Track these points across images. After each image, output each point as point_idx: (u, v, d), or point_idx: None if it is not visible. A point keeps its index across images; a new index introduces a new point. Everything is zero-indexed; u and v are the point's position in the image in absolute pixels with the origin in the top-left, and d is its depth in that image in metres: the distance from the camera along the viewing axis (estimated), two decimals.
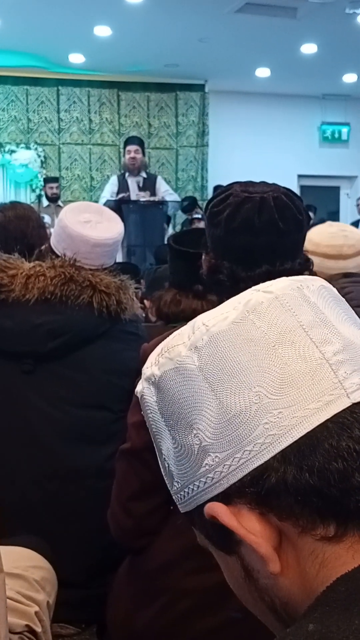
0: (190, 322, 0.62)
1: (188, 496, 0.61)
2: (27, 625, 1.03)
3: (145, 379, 0.63)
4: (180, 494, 0.62)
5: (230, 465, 0.56)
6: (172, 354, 0.60)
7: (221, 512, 0.57)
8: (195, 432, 0.57)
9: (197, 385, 0.57)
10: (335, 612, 0.50)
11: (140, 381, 0.65)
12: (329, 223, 2.36)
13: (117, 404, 1.85)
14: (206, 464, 0.57)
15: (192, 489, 0.59)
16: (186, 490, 0.60)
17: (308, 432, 0.54)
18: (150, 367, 0.63)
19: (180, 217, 9.46)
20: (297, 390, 0.55)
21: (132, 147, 8.29)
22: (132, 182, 8.15)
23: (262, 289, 0.60)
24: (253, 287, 0.61)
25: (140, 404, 0.65)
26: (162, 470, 0.65)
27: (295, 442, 0.54)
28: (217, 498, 0.57)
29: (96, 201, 9.22)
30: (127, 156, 8.35)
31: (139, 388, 0.65)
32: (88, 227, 1.95)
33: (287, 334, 0.57)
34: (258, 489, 0.55)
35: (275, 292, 0.59)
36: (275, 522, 0.56)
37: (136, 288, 2.01)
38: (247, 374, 0.56)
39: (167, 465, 0.62)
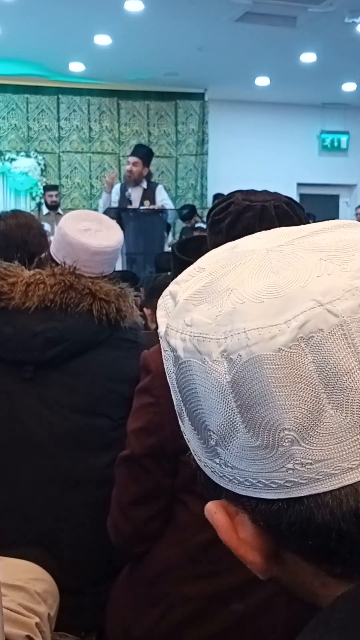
0: (226, 300, 0.50)
1: (198, 463, 0.57)
2: (27, 636, 1.04)
3: (168, 342, 0.54)
4: (193, 457, 0.58)
5: (241, 481, 0.52)
6: (202, 347, 0.50)
7: (221, 526, 0.55)
8: (209, 433, 0.52)
9: (224, 399, 0.50)
10: (335, 632, 0.48)
11: (158, 318, 0.57)
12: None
13: (117, 411, 1.85)
14: (217, 462, 0.53)
15: (204, 464, 0.56)
16: (198, 459, 0.57)
17: (332, 490, 0.48)
18: (176, 336, 0.53)
19: (180, 225, 9.47)
20: (333, 445, 0.47)
21: (130, 159, 8.26)
22: (132, 193, 8.15)
23: (327, 304, 0.47)
24: (315, 293, 0.47)
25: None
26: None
27: (316, 494, 0.48)
28: (225, 491, 0.54)
29: (96, 209, 9.26)
30: (126, 166, 8.37)
31: (161, 329, 0.56)
32: (87, 235, 1.95)
33: (340, 377, 0.46)
34: (262, 517, 0.52)
35: (341, 316, 0.46)
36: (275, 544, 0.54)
37: (135, 296, 2.01)
38: (282, 412, 0.47)
39: (182, 428, 0.58)
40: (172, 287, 0.57)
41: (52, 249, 2.03)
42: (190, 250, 1.90)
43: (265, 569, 0.55)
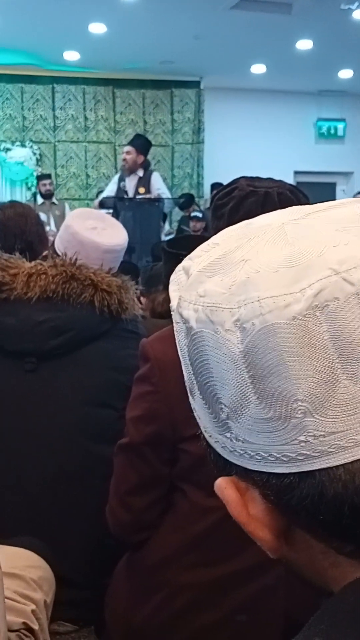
0: (240, 270, 0.50)
1: (209, 440, 0.56)
2: (24, 623, 1.04)
3: (180, 314, 0.53)
4: (203, 434, 0.57)
5: (252, 455, 0.51)
6: (215, 317, 0.49)
7: (231, 501, 0.54)
8: (220, 406, 0.51)
9: (236, 370, 0.49)
10: (342, 624, 0.48)
11: (171, 292, 0.56)
12: None
13: (120, 401, 1.84)
14: (228, 436, 0.52)
15: (215, 440, 0.54)
16: (208, 436, 0.56)
17: (345, 463, 0.47)
18: (189, 307, 0.52)
19: (177, 214, 9.46)
20: (346, 417, 0.46)
21: (125, 148, 8.34)
22: (128, 181, 8.15)
23: (343, 273, 0.46)
24: (331, 261, 0.47)
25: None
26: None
27: (328, 468, 0.48)
28: (235, 467, 0.53)
29: (92, 198, 9.27)
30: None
31: (173, 302, 0.55)
32: (96, 233, 1.99)
33: (355, 346, 0.46)
34: (273, 492, 0.51)
35: (357, 285, 0.46)
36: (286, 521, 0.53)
37: (137, 289, 2.02)
38: (295, 382, 0.46)
39: (192, 404, 0.57)
40: (185, 262, 0.56)
41: (59, 246, 2.03)
42: (181, 248, 1.92)
43: (275, 546, 0.54)
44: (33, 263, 1.87)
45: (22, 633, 1.04)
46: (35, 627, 1.06)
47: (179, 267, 0.57)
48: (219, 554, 1.46)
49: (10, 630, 1.00)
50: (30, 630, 1.05)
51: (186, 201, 9.20)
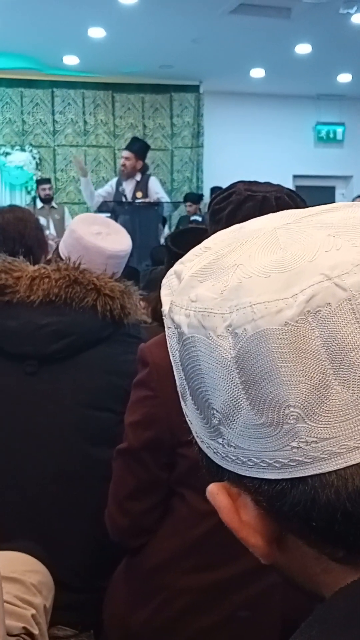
0: (232, 275, 0.49)
1: (201, 445, 0.56)
2: (24, 628, 1.05)
3: (172, 319, 0.53)
4: (195, 439, 0.57)
5: (244, 461, 0.51)
6: (207, 322, 0.49)
7: (223, 507, 0.54)
8: (212, 411, 0.51)
9: (228, 375, 0.48)
10: (333, 630, 0.47)
11: (162, 296, 0.56)
12: None
13: (119, 405, 1.85)
14: (220, 442, 0.52)
15: (207, 446, 0.54)
16: (200, 441, 0.56)
17: (337, 469, 0.47)
18: (180, 312, 0.52)
19: (175, 218, 9.47)
20: (339, 423, 0.46)
21: (124, 153, 8.32)
22: (126, 185, 8.16)
23: (335, 278, 0.45)
24: (323, 267, 0.46)
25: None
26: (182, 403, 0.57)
27: (321, 474, 0.47)
28: (227, 472, 0.53)
29: None
30: (120, 160, 8.43)
31: (165, 307, 0.55)
32: (100, 238, 2.01)
33: (348, 352, 0.45)
34: (265, 498, 0.51)
35: (350, 291, 0.45)
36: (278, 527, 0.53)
37: (140, 294, 2.03)
38: (287, 388, 0.46)
39: (184, 409, 0.57)
40: (177, 266, 0.56)
41: (63, 251, 2.04)
42: (184, 243, 1.92)
43: (268, 552, 0.54)
44: (37, 266, 1.87)
45: (22, 638, 1.05)
46: (36, 631, 1.07)
47: (171, 271, 0.57)
48: (218, 558, 1.46)
49: (10, 635, 1.00)
50: (30, 634, 1.06)
51: (197, 197, 9.30)
